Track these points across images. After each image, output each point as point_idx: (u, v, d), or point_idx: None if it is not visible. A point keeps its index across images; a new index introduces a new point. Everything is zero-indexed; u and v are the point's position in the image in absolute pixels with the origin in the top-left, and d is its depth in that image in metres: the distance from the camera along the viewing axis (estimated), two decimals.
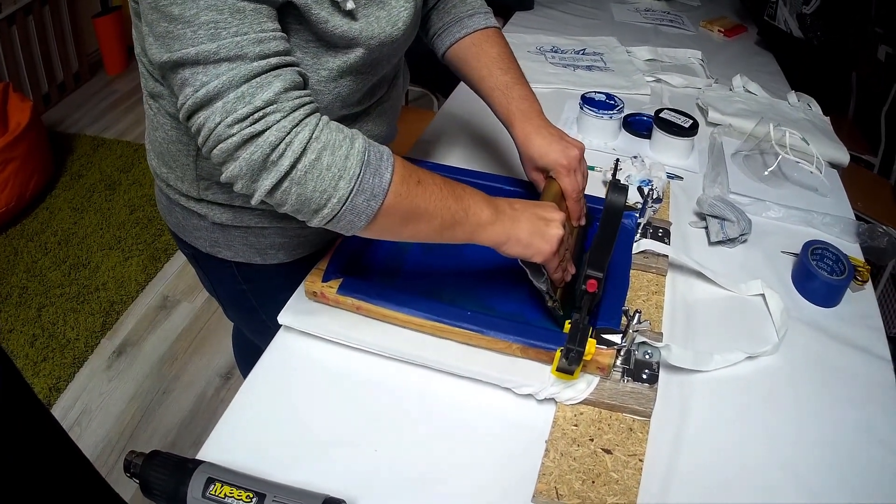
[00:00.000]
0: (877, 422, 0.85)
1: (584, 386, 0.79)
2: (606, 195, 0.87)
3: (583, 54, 1.72)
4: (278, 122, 0.63)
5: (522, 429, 0.78)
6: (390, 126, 0.98)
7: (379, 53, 0.79)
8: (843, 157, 1.45)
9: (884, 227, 1.25)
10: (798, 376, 0.91)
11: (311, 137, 0.64)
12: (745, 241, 1.13)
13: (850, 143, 2.36)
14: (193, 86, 0.62)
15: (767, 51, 2.03)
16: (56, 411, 1.89)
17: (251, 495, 0.63)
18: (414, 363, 0.84)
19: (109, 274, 2.37)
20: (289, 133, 0.63)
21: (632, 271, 0.97)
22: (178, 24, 0.60)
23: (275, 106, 0.63)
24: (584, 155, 0.95)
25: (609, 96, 1.35)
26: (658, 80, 1.64)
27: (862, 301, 1.06)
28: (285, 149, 0.63)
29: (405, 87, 1.04)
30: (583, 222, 0.98)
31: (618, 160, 1.01)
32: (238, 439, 0.75)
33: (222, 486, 0.64)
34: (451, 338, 0.84)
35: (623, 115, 1.35)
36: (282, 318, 0.87)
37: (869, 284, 1.09)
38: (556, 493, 0.70)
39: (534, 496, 0.71)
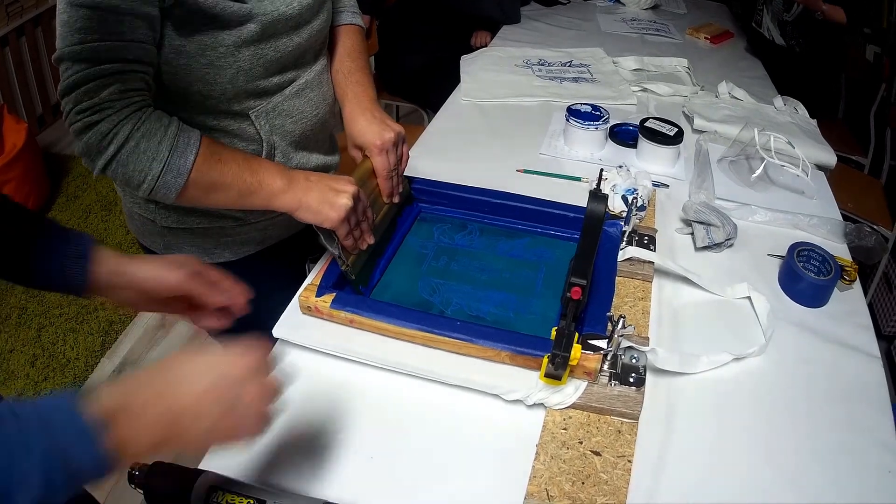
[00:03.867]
0: (867, 419, 0.88)
1: (571, 390, 0.83)
2: (587, 204, 0.91)
3: (569, 66, 1.77)
4: (110, 115, 0.77)
5: (513, 434, 0.82)
6: (320, 109, 1.07)
7: (274, 29, 0.91)
8: (830, 158, 1.49)
9: (871, 227, 1.29)
10: (786, 376, 0.94)
11: (132, 129, 0.79)
12: (731, 245, 1.16)
13: (840, 144, 2.42)
14: (63, 76, 0.77)
15: (754, 56, 2.08)
16: None
17: (252, 502, 0.67)
18: (406, 373, 0.88)
19: None
20: (116, 125, 0.78)
21: (618, 278, 1.01)
22: (62, 27, 0.76)
23: (110, 103, 0.77)
24: (403, 140, 1.06)
25: (595, 107, 1.40)
26: (644, 90, 1.69)
27: (850, 300, 1.09)
28: (112, 137, 0.78)
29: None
30: (395, 200, 1.06)
31: (602, 170, 1.05)
32: (236, 450, 0.79)
33: (224, 493, 0.68)
34: (442, 347, 0.87)
35: (609, 125, 1.40)
36: (276, 331, 0.91)
37: (857, 283, 1.13)
38: (547, 494, 0.74)
39: (525, 498, 0.74)
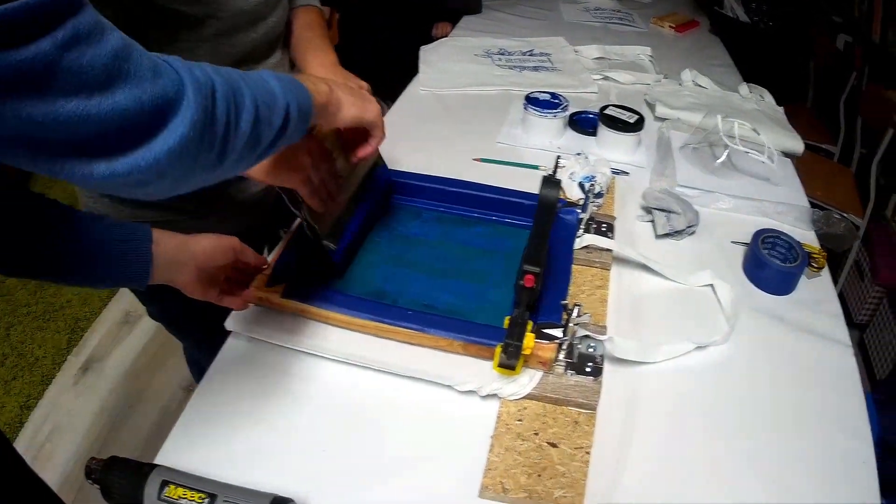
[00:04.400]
0: (836, 405, 0.88)
1: (526, 381, 0.82)
2: (539, 191, 0.91)
3: (529, 55, 1.77)
4: None
5: (468, 425, 0.81)
6: None
7: (232, 25, 0.92)
8: (798, 145, 1.50)
9: (840, 214, 1.30)
10: (752, 364, 0.94)
11: None
12: (692, 233, 1.17)
13: (809, 132, 2.45)
14: None
15: (720, 42, 2.10)
16: (28, 428, 1.99)
17: (203, 496, 0.67)
18: (359, 364, 0.86)
19: (73, 290, 2.45)
20: None
21: (575, 266, 1.01)
22: None
23: None
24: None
25: (554, 95, 1.40)
26: (606, 78, 1.69)
27: (819, 288, 1.10)
28: None
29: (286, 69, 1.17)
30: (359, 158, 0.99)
31: (559, 157, 1.05)
32: (192, 444, 0.78)
33: (176, 487, 0.68)
34: (394, 337, 0.87)
35: (568, 113, 1.40)
36: (229, 323, 0.90)
37: (826, 271, 1.13)
38: (503, 487, 0.73)
39: (481, 491, 0.73)
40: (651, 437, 0.82)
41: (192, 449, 0.77)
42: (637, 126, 1.35)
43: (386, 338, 0.87)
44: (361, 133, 0.89)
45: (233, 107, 0.55)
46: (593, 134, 1.40)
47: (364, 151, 0.91)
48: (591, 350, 0.86)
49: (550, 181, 0.91)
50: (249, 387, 0.85)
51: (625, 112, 1.38)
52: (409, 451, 0.78)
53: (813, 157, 2.32)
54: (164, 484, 0.68)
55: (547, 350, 0.82)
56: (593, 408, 0.82)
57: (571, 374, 0.83)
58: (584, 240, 1.04)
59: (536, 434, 0.78)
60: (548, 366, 0.82)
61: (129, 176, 0.48)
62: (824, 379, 0.92)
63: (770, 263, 1.07)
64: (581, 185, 1.14)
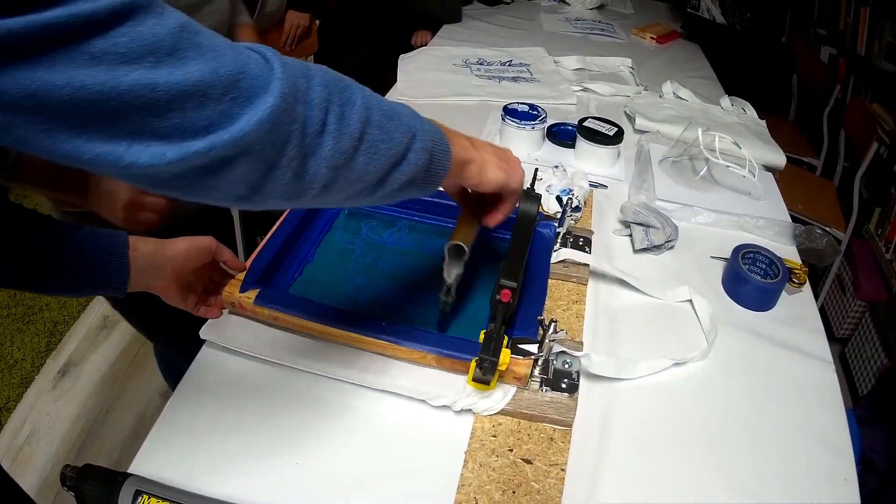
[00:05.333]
0: (817, 422, 0.90)
1: (500, 396, 0.84)
2: (519, 204, 0.93)
3: (509, 65, 1.81)
4: None
5: (442, 440, 0.82)
6: None
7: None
8: (780, 159, 1.54)
9: (822, 229, 1.32)
10: (732, 381, 0.96)
11: None
12: (671, 247, 1.20)
13: (791, 145, 2.51)
14: None
15: (701, 54, 2.15)
16: (7, 431, 2.03)
17: None
18: (332, 377, 0.88)
19: None
20: None
21: (551, 281, 1.03)
22: None
23: None
24: None
25: (532, 107, 1.43)
26: (585, 90, 1.73)
27: (800, 303, 1.13)
28: None
29: None
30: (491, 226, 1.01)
31: (536, 170, 1.07)
32: (166, 453, 0.80)
33: (149, 498, 0.70)
34: (368, 348, 0.89)
35: (546, 125, 1.43)
36: (203, 332, 0.91)
37: (807, 287, 1.16)
38: (476, 503, 0.75)
39: None
40: (627, 454, 0.85)
41: (167, 458, 0.79)
42: (616, 139, 1.38)
43: (360, 349, 0.89)
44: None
45: (335, 96, 0.53)
46: (572, 146, 1.43)
47: (494, 220, 0.87)
48: (566, 366, 0.88)
49: (530, 195, 0.93)
50: (224, 395, 0.87)
51: (604, 124, 1.41)
52: (382, 464, 0.80)
53: (795, 171, 2.37)
54: (138, 494, 0.70)
55: (522, 366, 0.84)
56: (569, 424, 0.84)
57: (547, 391, 0.86)
58: (560, 254, 1.07)
59: (511, 450, 0.81)
60: (523, 382, 0.85)
61: (209, 153, 0.45)
62: (805, 395, 0.94)
63: (750, 279, 1.09)
64: (559, 199, 1.17)
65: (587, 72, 1.85)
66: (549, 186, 1.20)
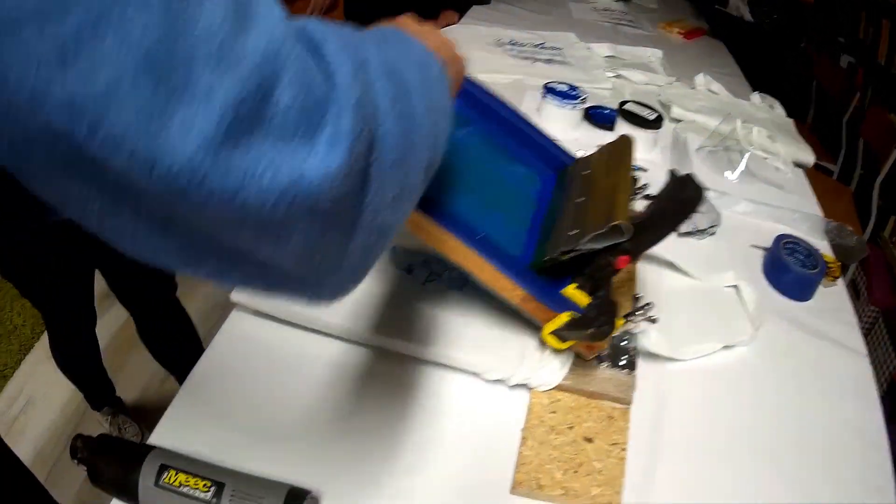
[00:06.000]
0: (855, 415, 0.86)
1: (557, 368, 0.77)
2: (679, 188, 0.84)
3: (541, 48, 1.74)
4: None
5: (497, 417, 0.76)
6: None
7: None
8: (808, 157, 1.50)
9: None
10: (775, 368, 0.92)
11: None
12: (713, 233, 1.14)
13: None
14: None
15: (727, 52, 2.09)
16: (2, 399, 1.96)
17: (209, 484, 0.60)
18: (376, 347, 0.81)
19: None
20: None
21: None
22: None
23: None
24: None
25: (572, 87, 1.36)
26: (619, 76, 1.67)
27: (834, 297, 1.08)
28: None
29: None
30: None
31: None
32: (191, 425, 0.72)
33: (177, 473, 0.61)
34: (450, 255, 0.73)
35: (586, 105, 1.37)
36: (235, 295, 0.83)
37: (840, 282, 1.12)
38: (538, 483, 0.68)
39: (513, 487, 0.69)
40: (682, 438, 0.79)
41: (190, 432, 0.71)
42: (657, 123, 1.32)
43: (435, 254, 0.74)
44: None
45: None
46: (610, 129, 1.37)
47: None
48: (625, 343, 0.82)
49: (695, 183, 0.84)
50: (254, 366, 0.80)
51: (644, 109, 1.35)
52: (434, 443, 0.73)
53: (812, 173, 2.32)
54: (163, 469, 0.61)
55: None
56: (628, 402, 0.78)
57: (606, 367, 0.79)
58: None
59: (571, 428, 0.74)
60: (594, 351, 0.78)
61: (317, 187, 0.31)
62: (843, 386, 0.91)
63: (792, 267, 1.05)
64: None
65: (619, 60, 1.78)
66: None
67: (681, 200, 0.83)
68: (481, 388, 0.79)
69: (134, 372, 2.00)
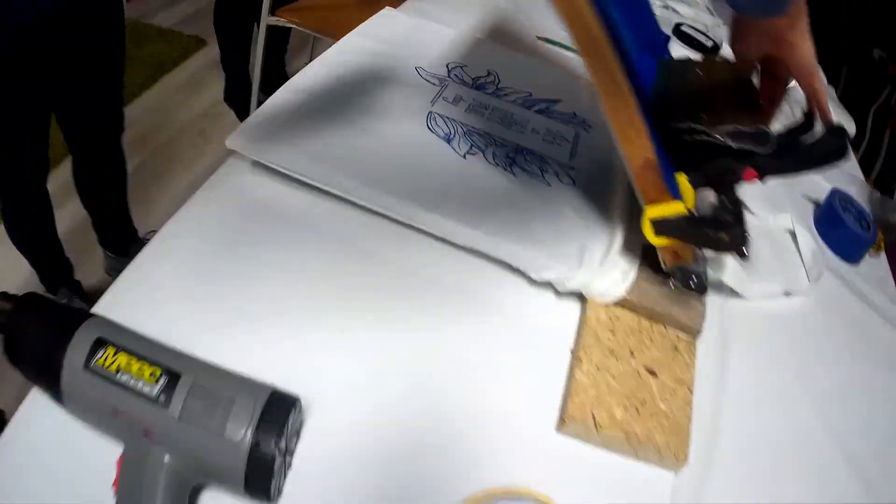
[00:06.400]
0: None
1: (619, 277, 0.58)
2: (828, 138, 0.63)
3: None
4: None
5: (542, 327, 0.57)
6: None
7: None
8: (851, 126, 1.33)
9: None
10: (829, 327, 0.75)
11: None
12: None
13: None
14: None
15: None
16: None
17: (158, 373, 0.40)
18: (397, 221, 0.60)
19: None
20: None
21: None
22: None
23: None
24: None
25: None
26: (666, 7, 1.45)
27: (878, 268, 0.93)
28: None
29: None
30: None
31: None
32: (147, 299, 0.51)
33: (116, 353, 0.40)
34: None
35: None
36: (231, 140, 0.62)
37: (883, 254, 0.96)
38: (594, 420, 0.49)
39: (562, 423, 0.49)
40: (747, 385, 0.61)
41: (146, 307, 0.50)
42: (714, 50, 1.12)
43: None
44: None
45: None
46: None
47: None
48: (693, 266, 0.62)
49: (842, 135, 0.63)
50: (241, 228, 0.59)
51: (700, 34, 1.14)
52: (457, 352, 0.54)
53: None
54: (99, 344, 0.40)
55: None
56: (695, 333, 0.59)
57: (674, 285, 0.59)
58: None
59: (632, 354, 0.55)
60: (679, 260, 0.58)
61: None
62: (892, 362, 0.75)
63: (847, 222, 0.88)
64: None
65: None
66: None
67: (825, 151, 0.62)
68: (524, 289, 0.60)
69: (99, 261, 1.70)
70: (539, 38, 1.04)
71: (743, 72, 0.63)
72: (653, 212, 0.53)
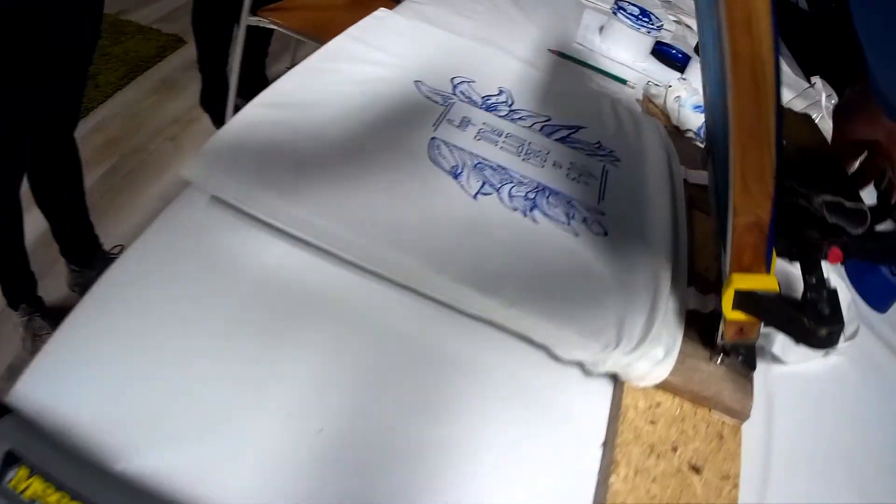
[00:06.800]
0: None
1: (661, 355, 0.48)
2: None
3: None
4: None
5: (561, 412, 0.47)
6: None
7: None
8: None
9: None
10: (864, 388, 0.67)
11: None
12: None
13: None
14: None
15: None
16: None
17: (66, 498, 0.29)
18: (386, 277, 0.50)
19: None
20: None
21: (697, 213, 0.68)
22: None
23: None
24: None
25: (643, 11, 1.05)
26: (679, 22, 1.36)
27: None
28: None
29: None
30: None
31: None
32: (75, 374, 0.40)
33: (31, 474, 0.30)
34: None
35: (661, 32, 1.06)
36: (187, 170, 0.51)
37: None
38: None
39: None
40: (796, 462, 0.52)
41: (74, 382, 0.39)
42: None
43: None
44: None
45: None
46: (680, 69, 1.07)
47: None
48: None
49: None
50: (194, 281, 0.48)
51: None
52: (453, 445, 0.43)
53: None
54: (11, 461, 0.30)
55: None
56: (743, 417, 0.49)
57: (722, 360, 0.50)
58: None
59: (675, 450, 0.45)
60: (746, 336, 0.48)
61: None
62: None
63: (882, 271, 0.79)
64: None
65: (676, 6, 1.47)
66: (677, 97, 0.84)
67: None
68: (544, 365, 0.49)
69: (63, 276, 1.56)
70: (551, 50, 0.95)
71: (825, 142, 0.54)
72: (742, 282, 0.43)
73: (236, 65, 1.63)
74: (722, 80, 0.40)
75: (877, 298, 0.79)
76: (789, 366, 0.62)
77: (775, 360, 0.61)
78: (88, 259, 1.48)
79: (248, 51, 1.66)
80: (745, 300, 0.44)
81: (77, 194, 1.40)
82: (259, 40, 1.94)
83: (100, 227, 1.50)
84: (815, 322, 0.41)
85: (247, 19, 1.52)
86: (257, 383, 0.42)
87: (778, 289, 0.43)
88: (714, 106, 0.50)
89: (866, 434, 0.61)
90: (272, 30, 1.57)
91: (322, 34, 0.79)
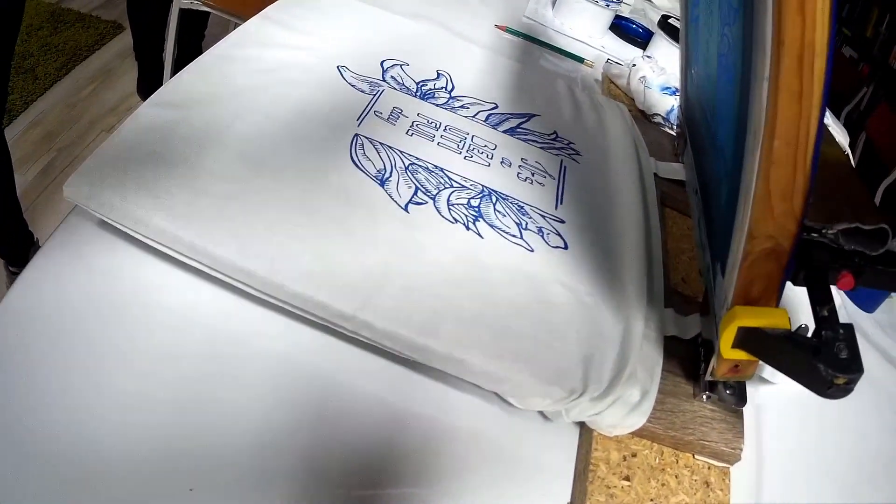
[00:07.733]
0: None
1: (636, 399, 0.40)
2: None
3: None
4: None
5: (518, 468, 0.38)
6: None
7: None
8: (845, 139, 1.19)
9: None
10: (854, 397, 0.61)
11: None
12: None
13: None
14: None
15: None
16: None
17: None
18: (308, 312, 0.41)
19: None
20: None
21: (668, 210, 0.60)
22: None
23: None
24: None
25: None
26: None
27: (892, 314, 0.79)
28: None
29: None
30: None
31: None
32: None
33: None
34: None
35: (620, 6, 0.97)
36: (69, 188, 0.41)
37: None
38: None
39: None
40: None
41: None
42: None
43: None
44: None
45: None
46: (642, 46, 0.98)
47: None
48: None
49: None
50: (80, 322, 0.39)
51: None
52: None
53: None
54: None
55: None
56: (731, 460, 0.42)
57: (708, 398, 0.42)
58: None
59: None
60: (741, 373, 0.39)
61: None
62: None
63: None
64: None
65: None
66: (641, 77, 0.76)
67: None
68: (497, 413, 0.41)
69: (2, 279, 1.52)
70: (498, 27, 0.85)
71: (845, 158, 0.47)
72: (748, 318, 0.35)
73: (170, 49, 1.53)
74: (745, 67, 0.32)
75: (864, 298, 0.75)
76: (779, 384, 0.55)
77: (763, 381, 0.54)
78: (25, 259, 1.41)
79: (184, 35, 1.56)
80: (749, 337, 0.35)
81: (7, 194, 1.32)
82: (195, 24, 1.84)
83: (37, 225, 1.44)
84: (832, 369, 0.33)
85: (180, 1, 1.41)
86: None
87: (790, 326, 0.35)
88: (720, 96, 0.41)
89: (859, 446, 0.55)
90: (208, 12, 1.46)
91: (253, 15, 0.68)
